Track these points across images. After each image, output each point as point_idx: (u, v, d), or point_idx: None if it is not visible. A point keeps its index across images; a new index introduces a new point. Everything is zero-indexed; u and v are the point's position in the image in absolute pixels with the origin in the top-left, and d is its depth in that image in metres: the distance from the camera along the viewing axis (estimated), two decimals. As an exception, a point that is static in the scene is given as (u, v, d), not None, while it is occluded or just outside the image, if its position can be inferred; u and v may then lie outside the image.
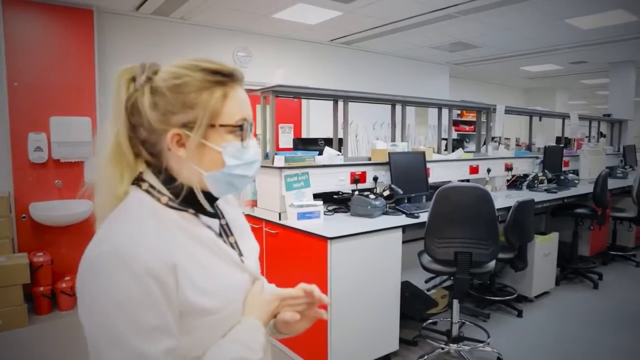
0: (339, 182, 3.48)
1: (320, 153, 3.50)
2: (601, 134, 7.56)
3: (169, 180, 0.89)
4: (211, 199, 0.94)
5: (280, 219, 3.15)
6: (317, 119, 6.60)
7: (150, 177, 0.90)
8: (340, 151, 3.61)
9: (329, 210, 3.42)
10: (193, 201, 0.90)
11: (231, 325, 0.90)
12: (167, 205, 0.88)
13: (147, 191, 0.88)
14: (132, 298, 0.75)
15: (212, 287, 0.86)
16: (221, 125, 0.87)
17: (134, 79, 0.87)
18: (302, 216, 3.02)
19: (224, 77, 0.88)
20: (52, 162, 4.36)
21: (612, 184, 5.41)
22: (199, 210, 0.92)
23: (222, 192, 0.93)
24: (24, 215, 4.22)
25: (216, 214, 0.99)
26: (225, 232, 1.00)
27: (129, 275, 0.75)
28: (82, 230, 4.41)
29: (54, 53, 4.37)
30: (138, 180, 0.90)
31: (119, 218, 0.84)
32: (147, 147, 0.89)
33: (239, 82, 0.91)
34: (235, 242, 1.00)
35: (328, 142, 3.97)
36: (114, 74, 0.89)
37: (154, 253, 0.78)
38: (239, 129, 0.89)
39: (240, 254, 0.98)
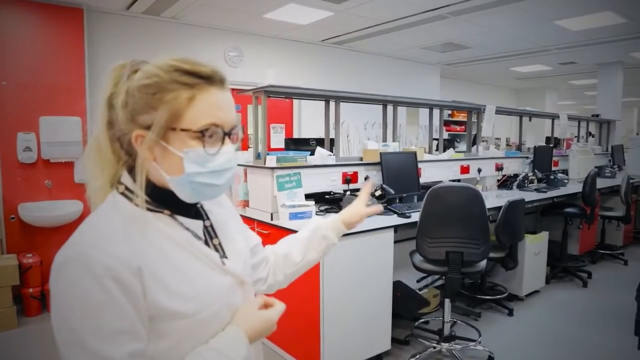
0: (331, 182, 3.48)
1: (312, 153, 3.50)
2: (589, 134, 7.65)
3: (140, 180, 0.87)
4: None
5: (272, 219, 3.15)
6: (308, 119, 6.60)
7: (126, 179, 0.89)
8: (331, 151, 3.62)
9: (321, 211, 3.42)
10: (169, 202, 0.89)
11: (213, 331, 0.89)
12: (141, 206, 0.86)
13: (123, 193, 0.87)
14: (94, 301, 0.74)
15: (186, 289, 0.84)
16: (182, 130, 0.83)
17: (119, 77, 0.87)
18: (294, 216, 3.01)
19: (197, 79, 0.84)
20: (42, 162, 4.32)
21: (600, 183, 5.48)
22: (176, 211, 0.90)
23: (190, 198, 0.89)
24: (12, 216, 4.18)
25: (199, 215, 0.97)
26: (209, 233, 0.97)
27: (90, 278, 0.74)
28: (72, 231, 4.38)
29: (44, 52, 4.33)
30: (116, 183, 0.89)
31: (90, 221, 0.84)
32: (123, 145, 0.88)
33: (217, 85, 0.87)
34: (220, 244, 0.98)
35: (320, 142, 3.98)
36: (108, 69, 0.88)
37: (115, 256, 0.77)
38: (204, 135, 0.83)
39: (223, 256, 0.96)
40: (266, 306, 1.00)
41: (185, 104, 0.83)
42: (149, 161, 0.85)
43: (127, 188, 0.87)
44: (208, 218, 0.99)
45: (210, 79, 0.86)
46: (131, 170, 0.88)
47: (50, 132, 4.28)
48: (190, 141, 0.83)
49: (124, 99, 0.84)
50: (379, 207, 1.37)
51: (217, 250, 0.96)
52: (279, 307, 1.01)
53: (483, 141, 5.43)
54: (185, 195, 0.88)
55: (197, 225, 0.94)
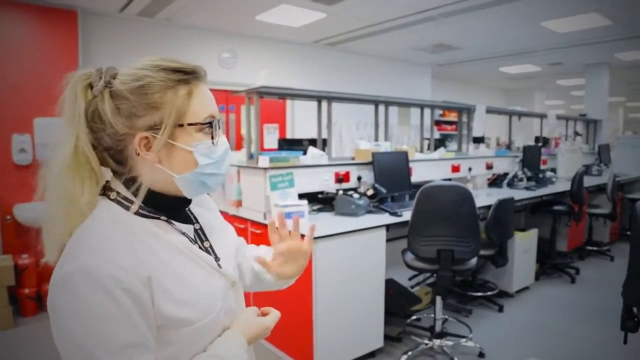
0: (323, 181, 3.50)
1: (305, 153, 3.53)
2: (576, 134, 7.75)
3: (137, 187, 0.85)
4: (183, 203, 0.93)
5: (265, 219, 3.17)
6: (301, 120, 6.64)
7: (117, 186, 0.87)
8: (324, 151, 3.66)
9: (314, 210, 3.45)
10: (164, 207, 0.88)
11: (213, 335, 0.89)
12: (137, 213, 0.85)
13: (116, 200, 0.85)
14: (104, 315, 0.72)
15: (189, 296, 0.84)
16: (189, 124, 0.85)
17: (90, 85, 0.83)
18: (287, 216, 3.02)
19: (187, 75, 0.86)
20: (37, 164, 4.31)
21: (588, 181, 5.56)
22: (171, 216, 0.90)
23: (195, 193, 0.90)
24: (8, 216, 4.19)
25: (190, 219, 0.97)
26: (200, 237, 0.97)
27: (99, 291, 0.72)
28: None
29: (38, 54, 4.34)
30: (106, 190, 0.86)
31: (87, 231, 0.80)
32: (112, 154, 0.85)
33: (203, 80, 0.89)
34: (211, 247, 0.97)
35: (312, 142, 4.00)
36: (69, 81, 0.84)
37: (123, 266, 0.75)
38: (208, 127, 0.87)
39: (217, 259, 0.96)
40: (262, 314, 1.03)
41: (187, 100, 0.85)
42: (151, 163, 0.84)
43: (119, 194, 0.85)
44: (197, 221, 0.99)
45: (197, 74, 0.88)
46: (125, 179, 0.87)
47: (45, 133, 4.28)
48: (197, 134, 0.86)
49: (113, 105, 0.81)
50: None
51: (209, 253, 0.95)
52: (275, 314, 1.04)
53: (478, 141, 5.50)
54: (191, 190, 0.89)
55: (189, 229, 0.94)
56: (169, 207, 0.89)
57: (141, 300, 0.76)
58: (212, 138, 0.88)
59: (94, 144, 0.83)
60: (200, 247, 0.93)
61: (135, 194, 0.85)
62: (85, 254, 0.75)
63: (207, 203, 1.08)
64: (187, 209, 0.98)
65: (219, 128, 0.90)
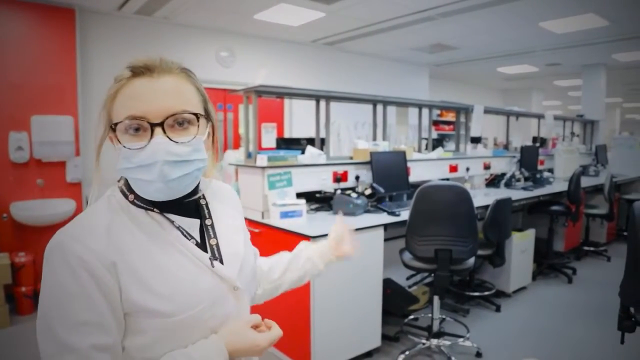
0: (322, 181, 3.51)
1: (303, 152, 3.54)
2: (573, 134, 7.77)
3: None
4: (189, 197, 0.92)
5: (263, 218, 3.18)
6: (299, 119, 6.63)
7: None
8: (322, 150, 3.66)
9: (312, 209, 3.45)
10: (155, 200, 0.88)
11: (195, 334, 0.86)
12: (133, 203, 0.88)
13: (120, 188, 0.90)
14: (65, 290, 0.76)
15: (165, 289, 0.83)
16: (111, 126, 0.84)
17: None
18: (284, 215, 3.03)
19: (123, 73, 0.85)
20: (34, 162, 4.32)
21: (585, 182, 5.58)
22: (165, 209, 0.89)
23: (142, 193, 0.86)
24: (5, 215, 4.17)
25: (197, 214, 0.96)
26: (207, 233, 0.95)
27: (65, 268, 0.76)
28: (65, 231, 4.39)
29: (36, 52, 4.33)
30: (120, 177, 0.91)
31: (83, 213, 0.86)
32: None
33: (143, 76, 0.84)
34: (217, 245, 0.95)
35: (310, 142, 4.01)
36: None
37: (90, 249, 0.78)
38: (122, 128, 0.83)
39: (216, 258, 0.93)
40: (256, 327, 0.94)
41: (111, 100, 0.85)
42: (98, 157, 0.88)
43: (125, 183, 0.90)
44: (209, 217, 0.98)
45: (137, 71, 0.84)
46: None
47: (42, 131, 4.27)
48: (123, 135, 0.83)
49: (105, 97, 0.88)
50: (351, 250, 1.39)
51: (212, 251, 0.93)
52: (273, 333, 0.95)
53: (475, 141, 5.51)
54: (138, 190, 0.86)
55: (191, 223, 0.93)
56: (166, 200, 0.88)
57: (104, 284, 0.78)
58: (121, 141, 0.83)
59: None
60: (196, 244, 0.91)
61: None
62: (66, 232, 0.80)
63: (234, 202, 1.09)
64: (204, 204, 0.98)
65: (160, 127, 0.83)
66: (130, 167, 0.83)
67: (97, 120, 0.88)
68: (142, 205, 0.88)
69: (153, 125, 0.82)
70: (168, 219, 0.89)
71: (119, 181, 0.91)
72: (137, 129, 0.82)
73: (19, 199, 4.25)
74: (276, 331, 0.95)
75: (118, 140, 0.84)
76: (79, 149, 4.54)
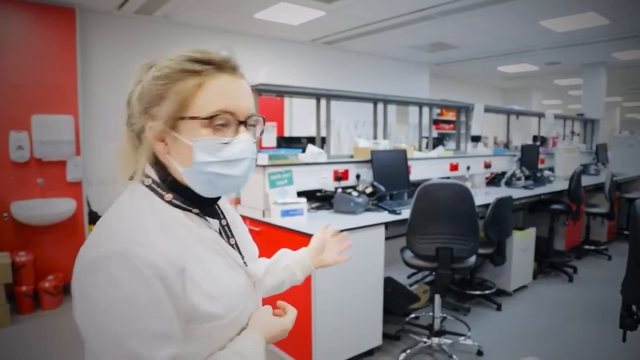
0: (322, 179, 3.51)
1: (304, 151, 3.53)
2: (573, 133, 7.77)
3: (165, 176, 0.85)
4: (209, 199, 0.89)
5: (264, 216, 3.18)
6: (299, 118, 6.62)
7: (152, 172, 0.85)
8: (323, 149, 3.65)
9: (313, 208, 3.45)
10: (192, 200, 0.86)
11: (232, 333, 0.87)
12: (170, 203, 0.83)
13: (151, 187, 0.84)
14: (138, 302, 0.70)
15: (218, 292, 0.82)
16: (191, 118, 0.80)
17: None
18: (285, 213, 3.03)
19: (205, 66, 0.83)
20: (34, 161, 4.30)
21: (585, 180, 5.58)
22: (200, 210, 0.88)
23: (203, 191, 0.85)
24: (5, 214, 4.16)
25: (217, 214, 0.95)
26: (226, 233, 0.95)
27: (135, 277, 0.70)
28: (65, 229, 4.39)
29: (36, 51, 4.31)
30: (143, 176, 0.85)
31: (119, 215, 0.79)
32: (141, 141, 0.85)
33: (228, 72, 0.85)
34: (236, 244, 0.96)
35: (311, 140, 4.01)
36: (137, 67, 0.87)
37: (162, 254, 0.73)
38: (214, 122, 0.81)
39: (242, 256, 0.94)
40: (279, 310, 1.00)
41: (193, 92, 0.80)
42: (163, 154, 0.83)
43: (154, 181, 0.84)
44: (224, 217, 0.98)
45: (220, 66, 0.84)
46: (155, 167, 0.86)
47: (43, 130, 4.25)
48: (201, 130, 0.80)
49: (140, 92, 0.83)
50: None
51: (235, 250, 0.94)
52: (292, 313, 1.01)
53: (475, 140, 5.51)
54: (200, 187, 0.84)
55: (215, 224, 0.92)
56: (196, 200, 0.86)
57: (174, 290, 0.74)
58: (214, 135, 0.82)
59: (132, 128, 0.85)
60: (227, 243, 0.92)
61: (165, 184, 0.84)
62: (121, 238, 0.73)
63: (228, 200, 1.08)
64: (216, 203, 0.97)
65: (244, 125, 0.84)
66: (212, 161, 0.81)
67: (137, 112, 0.84)
68: (181, 205, 0.84)
69: (240, 123, 0.84)
70: (205, 220, 0.89)
71: (143, 179, 0.85)
72: (223, 124, 0.82)
73: (20, 199, 4.24)
74: (293, 310, 1.02)
75: (173, 134, 0.82)
76: (80, 148, 4.53)
